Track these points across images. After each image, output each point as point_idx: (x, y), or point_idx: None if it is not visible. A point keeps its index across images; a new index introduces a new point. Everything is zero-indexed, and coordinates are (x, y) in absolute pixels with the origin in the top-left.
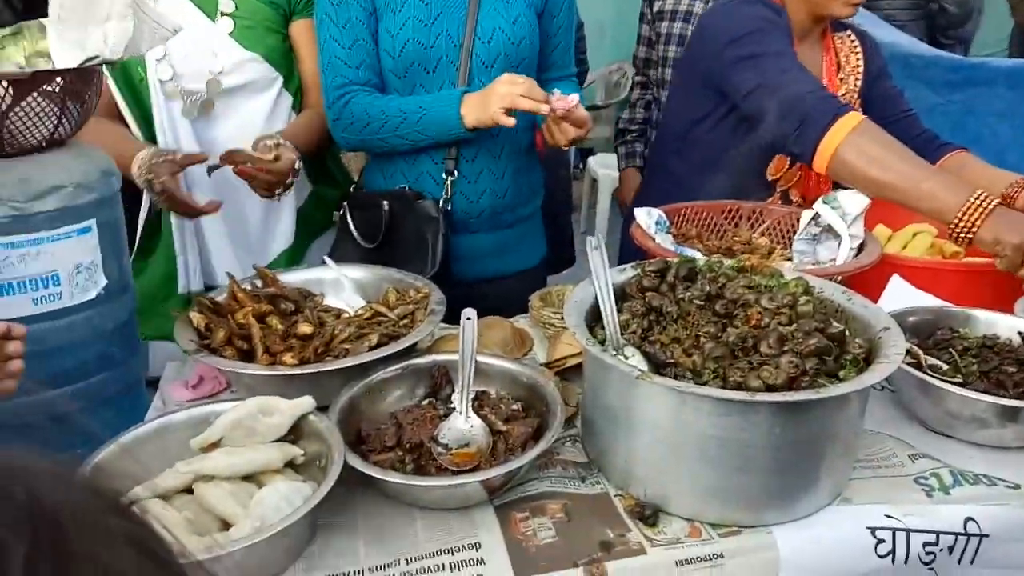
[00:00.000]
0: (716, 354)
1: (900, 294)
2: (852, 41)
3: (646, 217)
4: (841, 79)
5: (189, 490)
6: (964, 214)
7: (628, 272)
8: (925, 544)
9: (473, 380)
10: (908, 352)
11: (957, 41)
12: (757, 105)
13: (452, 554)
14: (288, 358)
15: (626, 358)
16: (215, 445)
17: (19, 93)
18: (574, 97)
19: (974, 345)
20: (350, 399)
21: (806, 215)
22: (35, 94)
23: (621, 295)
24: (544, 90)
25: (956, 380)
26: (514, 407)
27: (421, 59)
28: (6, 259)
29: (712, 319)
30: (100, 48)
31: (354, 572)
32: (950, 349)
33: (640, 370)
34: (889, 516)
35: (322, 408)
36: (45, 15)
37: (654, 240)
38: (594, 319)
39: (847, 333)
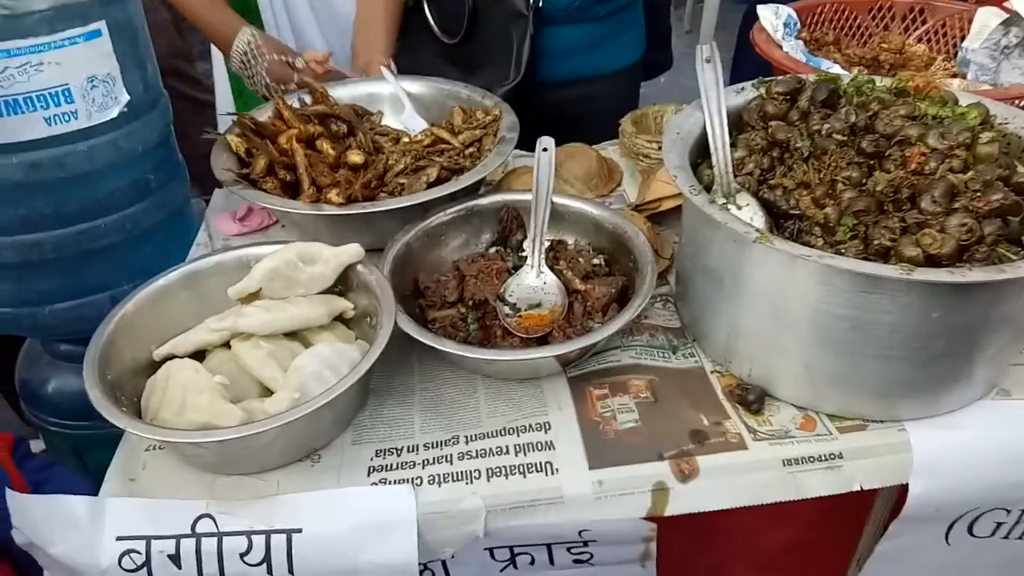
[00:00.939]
0: (858, 207)
1: None
2: None
3: (772, 17)
4: None
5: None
6: None
7: (748, 93)
8: None
9: (548, 226)
10: None
11: None
12: None
13: (518, 435)
14: (334, 195)
15: (739, 208)
16: (255, 296)
17: None
18: None
19: None
20: (406, 244)
21: (988, 15)
22: None
23: (736, 124)
24: None
25: None
26: (595, 261)
27: None
28: (4, 70)
29: (856, 160)
30: None
31: (408, 448)
32: None
33: (758, 230)
34: None
35: (376, 251)
36: None
37: (781, 48)
38: (700, 155)
39: None
